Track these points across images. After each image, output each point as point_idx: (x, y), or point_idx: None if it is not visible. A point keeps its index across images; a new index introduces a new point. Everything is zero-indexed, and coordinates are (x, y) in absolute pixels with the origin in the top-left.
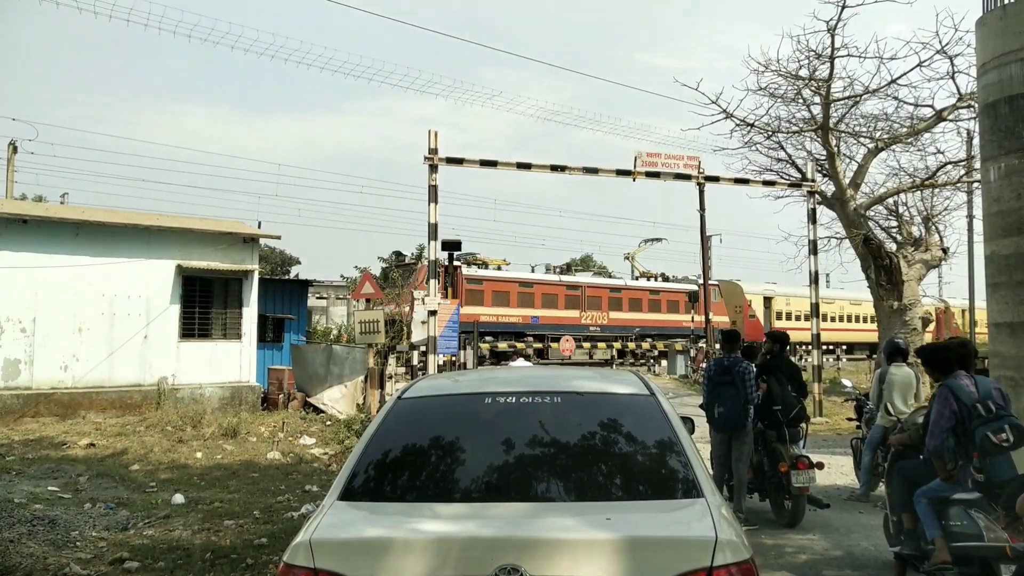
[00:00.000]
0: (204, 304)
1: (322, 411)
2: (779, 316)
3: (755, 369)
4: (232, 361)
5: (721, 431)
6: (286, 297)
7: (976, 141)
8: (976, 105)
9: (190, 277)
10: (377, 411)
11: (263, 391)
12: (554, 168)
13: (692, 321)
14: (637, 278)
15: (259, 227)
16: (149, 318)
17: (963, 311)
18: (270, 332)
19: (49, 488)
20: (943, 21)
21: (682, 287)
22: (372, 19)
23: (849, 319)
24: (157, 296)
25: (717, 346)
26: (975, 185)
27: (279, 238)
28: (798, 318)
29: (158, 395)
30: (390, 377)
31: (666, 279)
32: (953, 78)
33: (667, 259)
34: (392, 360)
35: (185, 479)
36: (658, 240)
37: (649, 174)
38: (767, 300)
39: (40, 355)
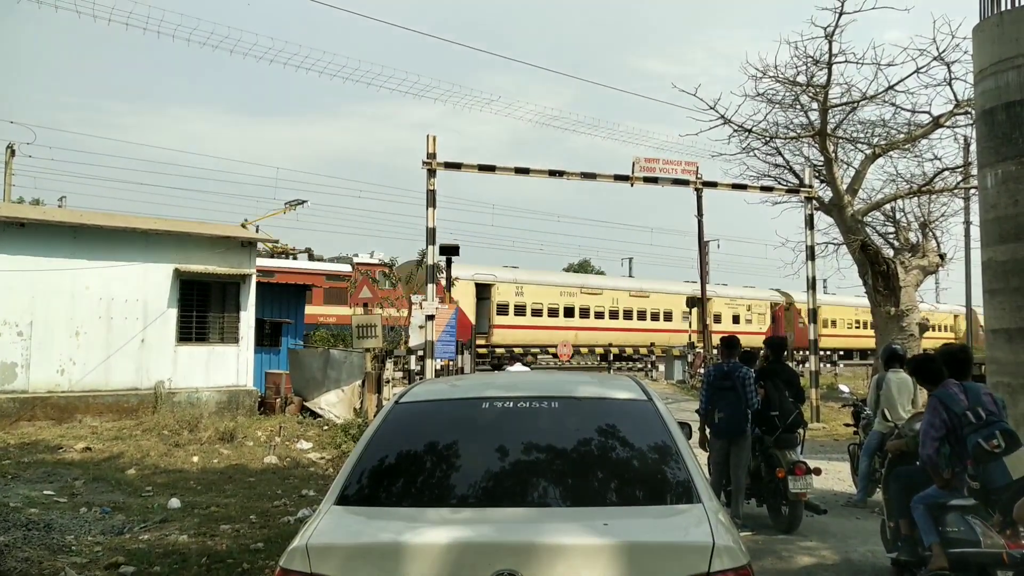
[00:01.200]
0: (201, 308)
1: (319, 415)
2: (503, 310)
3: (754, 374)
4: (229, 365)
5: (721, 437)
6: (283, 301)
7: (973, 147)
8: (973, 111)
9: (187, 281)
10: (374, 416)
11: (260, 395)
12: (552, 173)
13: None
14: (272, 255)
15: (257, 231)
16: (146, 321)
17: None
18: (267, 336)
19: (45, 492)
20: (940, 28)
21: (327, 268)
22: (371, 23)
23: (627, 315)
24: (154, 300)
25: (715, 352)
26: (972, 191)
27: (277, 242)
28: (537, 312)
29: (155, 399)
30: (387, 381)
31: (312, 257)
32: (950, 84)
33: (666, 263)
34: (390, 364)
35: (181, 483)
36: (301, 203)
37: (647, 179)
38: (483, 288)
39: (36, 358)
